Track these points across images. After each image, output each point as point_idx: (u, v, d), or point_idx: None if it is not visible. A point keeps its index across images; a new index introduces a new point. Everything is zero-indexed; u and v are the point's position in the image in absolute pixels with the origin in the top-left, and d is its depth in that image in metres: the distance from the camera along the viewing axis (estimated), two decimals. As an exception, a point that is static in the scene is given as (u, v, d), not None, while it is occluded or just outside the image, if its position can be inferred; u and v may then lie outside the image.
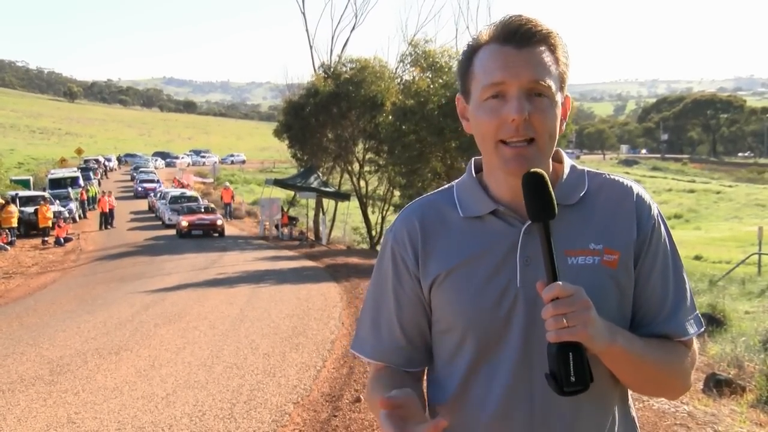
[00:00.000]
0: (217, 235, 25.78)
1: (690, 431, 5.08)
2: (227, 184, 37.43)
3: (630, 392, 1.41)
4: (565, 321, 1.15)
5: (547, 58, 1.28)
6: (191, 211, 27.44)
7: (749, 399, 6.38)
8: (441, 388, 1.39)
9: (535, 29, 1.28)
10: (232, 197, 34.66)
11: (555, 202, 1.22)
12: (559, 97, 1.30)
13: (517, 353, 1.30)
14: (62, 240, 23.75)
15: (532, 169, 1.22)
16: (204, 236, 25.34)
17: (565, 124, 1.36)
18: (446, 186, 1.46)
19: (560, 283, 1.17)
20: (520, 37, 1.27)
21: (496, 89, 1.27)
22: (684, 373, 1.35)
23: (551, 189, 1.21)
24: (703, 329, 1.37)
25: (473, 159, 1.44)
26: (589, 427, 1.31)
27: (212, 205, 29.98)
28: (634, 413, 1.42)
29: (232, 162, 73.33)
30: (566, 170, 1.38)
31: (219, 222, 26.13)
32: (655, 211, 1.36)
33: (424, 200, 1.45)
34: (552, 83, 1.27)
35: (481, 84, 1.29)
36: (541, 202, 1.21)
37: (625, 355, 1.24)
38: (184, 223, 25.66)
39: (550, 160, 1.37)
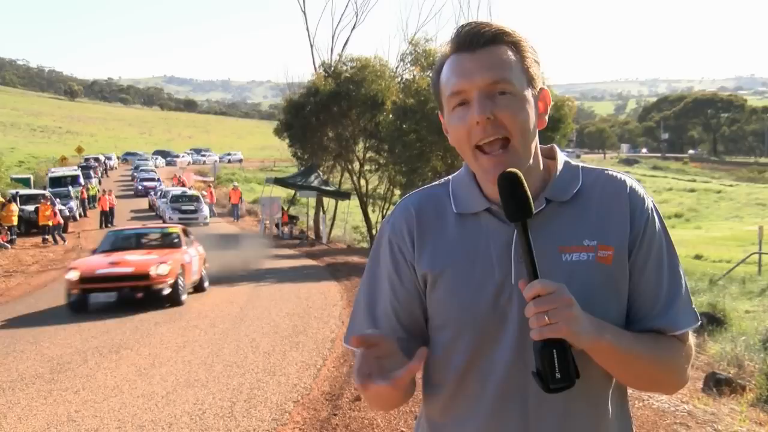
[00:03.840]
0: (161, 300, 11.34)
1: (690, 430, 5.08)
2: (236, 184, 37.15)
3: (628, 388, 1.41)
4: (546, 318, 1.15)
5: (505, 55, 1.29)
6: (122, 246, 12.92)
7: (749, 398, 6.39)
8: (436, 383, 1.39)
9: (483, 30, 1.29)
10: (241, 198, 34.42)
11: (531, 201, 1.21)
12: (528, 93, 1.30)
13: (511, 350, 1.30)
14: (54, 231, 23.56)
15: (507, 170, 1.22)
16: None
17: (546, 117, 1.36)
18: (443, 180, 1.46)
19: (541, 280, 1.17)
20: (470, 41, 1.29)
21: (459, 97, 1.29)
22: (679, 368, 1.34)
23: (527, 188, 1.21)
24: (698, 323, 1.36)
25: None
26: (583, 423, 1.31)
27: (175, 231, 13.62)
28: (629, 408, 1.42)
29: (230, 161, 73.29)
30: (560, 166, 1.38)
31: (162, 271, 11.17)
32: (649, 204, 1.35)
33: (421, 192, 1.45)
34: (514, 79, 1.27)
35: (445, 95, 1.32)
36: (517, 202, 1.21)
37: (613, 351, 1.24)
38: (73, 276, 11.24)
39: (541, 157, 1.38)
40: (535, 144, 1.34)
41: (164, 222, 29.79)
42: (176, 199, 30.84)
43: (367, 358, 1.21)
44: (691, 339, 1.37)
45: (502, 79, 1.27)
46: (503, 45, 1.29)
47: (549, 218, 1.30)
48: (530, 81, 1.31)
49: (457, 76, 1.29)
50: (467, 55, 1.29)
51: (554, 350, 1.16)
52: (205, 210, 30.93)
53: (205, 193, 36.12)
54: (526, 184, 1.21)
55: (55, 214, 23.81)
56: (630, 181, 1.37)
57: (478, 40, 1.29)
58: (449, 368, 1.35)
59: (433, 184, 1.47)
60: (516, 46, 1.31)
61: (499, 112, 1.26)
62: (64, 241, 23.76)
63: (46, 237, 23.74)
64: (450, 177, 1.45)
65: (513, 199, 1.21)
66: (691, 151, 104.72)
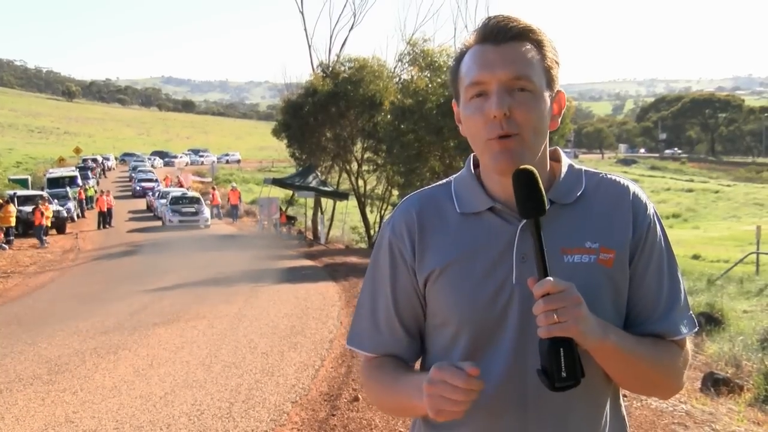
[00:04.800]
0: None
1: (688, 430, 5.08)
2: (234, 185, 37.01)
3: (621, 390, 1.41)
4: (555, 317, 1.16)
5: (529, 53, 1.29)
6: None
7: (747, 398, 6.40)
8: None
9: (511, 25, 1.29)
10: (240, 199, 34.16)
11: (545, 199, 1.22)
12: (546, 92, 1.30)
13: (511, 349, 1.30)
14: (39, 231, 23.01)
15: (522, 166, 1.23)
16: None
17: (559, 119, 1.36)
18: (444, 180, 1.46)
19: (551, 278, 1.17)
20: (496, 34, 1.29)
21: (477, 88, 1.29)
22: (676, 373, 1.35)
23: (541, 185, 1.22)
24: (696, 329, 1.37)
25: (472, 154, 1.44)
26: (582, 423, 1.32)
27: None
28: (624, 411, 1.43)
29: (227, 161, 73.30)
30: (564, 169, 1.39)
31: None
32: (651, 210, 1.36)
33: (422, 193, 1.45)
34: (534, 78, 1.28)
35: (464, 84, 1.32)
36: (531, 199, 1.22)
37: (616, 353, 1.25)
38: None
39: (548, 159, 1.38)
40: (545, 145, 1.35)
41: (164, 224, 29.05)
42: (176, 200, 30.07)
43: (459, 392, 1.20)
44: (688, 344, 1.39)
45: (524, 76, 1.27)
46: (528, 42, 1.30)
47: (552, 219, 1.30)
48: (549, 81, 1.32)
49: (479, 67, 1.29)
50: (491, 48, 1.29)
51: (561, 349, 1.16)
52: (206, 212, 29.95)
53: (208, 194, 35.85)
54: (540, 182, 1.22)
55: (41, 213, 23.28)
56: (633, 187, 1.38)
57: (504, 34, 1.29)
58: None
59: (434, 184, 1.48)
60: (540, 44, 1.31)
61: (516, 108, 1.26)
62: (42, 243, 22.85)
63: (44, 238, 23.69)
64: (452, 177, 1.45)
65: (528, 197, 1.22)
66: (667, 151, 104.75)
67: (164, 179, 45.44)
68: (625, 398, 1.46)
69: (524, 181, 1.22)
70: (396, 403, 1.41)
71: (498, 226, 1.34)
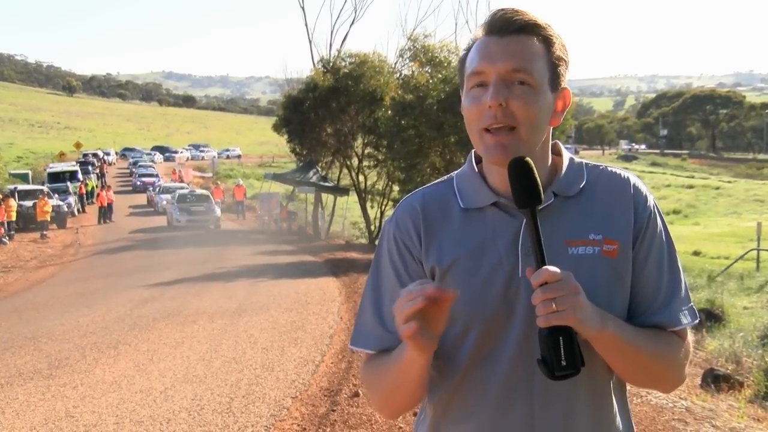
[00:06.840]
0: None
1: (688, 426, 5.08)
2: (239, 181, 36.67)
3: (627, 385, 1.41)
4: (554, 306, 1.16)
5: (532, 47, 1.29)
6: None
7: (747, 394, 6.39)
8: (441, 377, 1.39)
9: (516, 18, 1.29)
10: (245, 195, 33.87)
11: (540, 188, 1.22)
12: (547, 88, 1.30)
13: (517, 342, 1.30)
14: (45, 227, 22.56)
15: (517, 156, 1.23)
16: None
17: (562, 117, 1.36)
18: (446, 177, 1.46)
19: (547, 267, 1.17)
20: (501, 26, 1.29)
21: (478, 78, 1.29)
22: (677, 365, 1.35)
23: (536, 174, 1.22)
24: (697, 320, 1.37)
25: (473, 150, 1.44)
26: (588, 414, 1.32)
27: None
28: (628, 403, 1.43)
29: (228, 157, 73.22)
30: (565, 163, 1.40)
31: None
32: (651, 201, 1.37)
33: (425, 190, 1.45)
34: (535, 72, 1.27)
35: (466, 74, 1.32)
36: (527, 189, 1.22)
37: (616, 342, 1.25)
38: None
39: (549, 152, 1.38)
40: (544, 139, 1.35)
41: (169, 223, 27.38)
42: (183, 198, 27.93)
43: (417, 307, 1.17)
44: (690, 336, 1.39)
45: (523, 69, 1.27)
46: (533, 36, 1.30)
47: (556, 212, 1.31)
48: (553, 78, 1.32)
49: (480, 57, 1.30)
50: (495, 39, 1.30)
51: (560, 337, 1.17)
52: (217, 211, 27.90)
53: (208, 188, 35.56)
54: (536, 172, 1.22)
55: (4, 210, 22.36)
56: (633, 179, 1.39)
57: (508, 26, 1.29)
58: (456, 362, 1.35)
59: (435, 181, 1.47)
60: (546, 40, 1.31)
61: (513, 100, 1.26)
62: (7, 240, 22.15)
63: (45, 233, 23.71)
64: (453, 174, 1.45)
65: (523, 186, 1.22)
66: (625, 146, 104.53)
67: (172, 173, 45.44)
68: (626, 394, 1.46)
69: (518, 171, 1.22)
70: (390, 376, 1.34)
71: (502, 220, 1.34)
